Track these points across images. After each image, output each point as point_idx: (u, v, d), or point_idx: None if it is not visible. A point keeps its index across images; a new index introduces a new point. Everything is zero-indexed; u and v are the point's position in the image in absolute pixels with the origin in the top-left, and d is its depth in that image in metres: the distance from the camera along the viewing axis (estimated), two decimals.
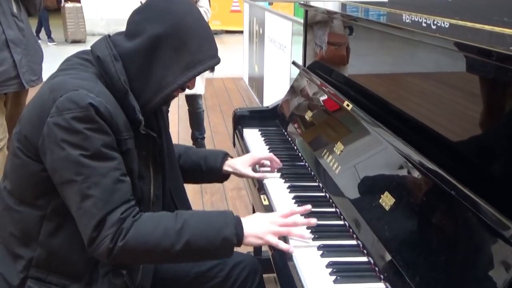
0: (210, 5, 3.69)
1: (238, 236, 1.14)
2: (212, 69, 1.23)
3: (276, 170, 1.61)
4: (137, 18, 1.20)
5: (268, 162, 1.60)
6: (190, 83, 1.23)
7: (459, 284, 0.87)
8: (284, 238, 1.22)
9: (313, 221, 1.24)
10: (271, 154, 1.60)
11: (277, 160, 1.60)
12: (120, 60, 1.16)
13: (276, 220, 1.21)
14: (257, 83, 5.51)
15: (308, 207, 1.27)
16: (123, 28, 1.24)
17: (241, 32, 6.63)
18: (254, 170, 1.58)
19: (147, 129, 1.21)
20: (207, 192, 3.28)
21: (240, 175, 1.57)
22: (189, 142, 3.90)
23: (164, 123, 1.37)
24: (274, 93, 4.47)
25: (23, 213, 1.15)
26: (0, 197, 1.20)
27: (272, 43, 4.55)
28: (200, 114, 3.88)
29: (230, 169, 1.54)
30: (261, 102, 5.14)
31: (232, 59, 7.13)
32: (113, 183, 1.07)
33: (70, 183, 1.06)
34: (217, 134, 4.48)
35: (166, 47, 1.16)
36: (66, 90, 1.07)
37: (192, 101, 3.80)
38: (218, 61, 1.23)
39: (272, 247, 1.31)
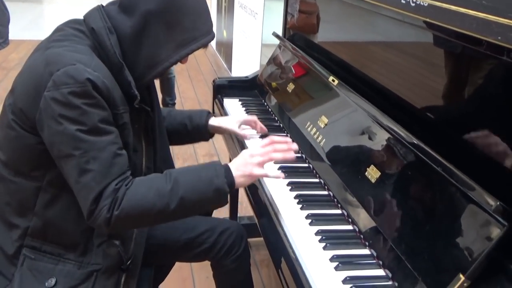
0: None
1: (230, 184, 1.19)
2: (205, 46, 1.24)
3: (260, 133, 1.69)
4: None
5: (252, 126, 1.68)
6: (183, 59, 1.24)
7: (442, 250, 0.96)
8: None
9: (294, 146, 1.30)
10: (256, 118, 1.68)
11: (263, 125, 1.67)
12: (115, 33, 1.16)
13: (255, 151, 1.26)
14: (225, 48, 5.47)
15: (295, 146, 1.31)
16: None
17: None
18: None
19: (141, 103, 1.22)
20: (179, 158, 3.31)
21: (224, 131, 1.65)
22: None
23: (156, 95, 1.38)
24: (244, 60, 4.47)
25: (18, 184, 1.16)
26: None
27: (242, 9, 4.51)
28: (171, 79, 3.86)
29: (215, 124, 1.60)
30: (230, 68, 5.13)
31: None
32: (111, 157, 1.09)
33: (68, 158, 1.07)
34: (187, 100, 4.46)
35: (160, 24, 1.16)
36: (64, 64, 1.07)
37: None
38: (212, 37, 1.24)
39: (256, 214, 1.39)
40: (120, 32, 1.16)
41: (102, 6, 1.21)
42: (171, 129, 1.54)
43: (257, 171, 1.23)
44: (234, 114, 1.74)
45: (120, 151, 1.12)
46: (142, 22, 1.15)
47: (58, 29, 1.21)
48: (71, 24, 1.21)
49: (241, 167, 1.22)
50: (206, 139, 1.64)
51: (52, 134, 1.07)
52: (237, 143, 1.73)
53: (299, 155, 1.60)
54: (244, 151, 1.28)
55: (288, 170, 1.46)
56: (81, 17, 1.22)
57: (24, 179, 1.15)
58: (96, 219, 1.09)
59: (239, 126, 1.65)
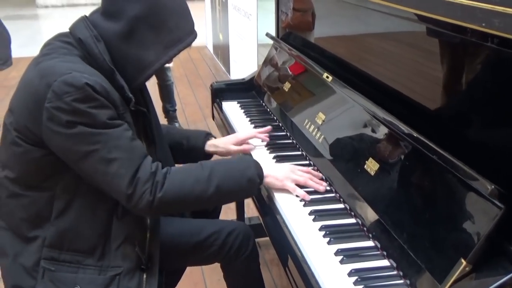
0: None
1: (260, 176, 1.29)
2: (190, 45, 1.28)
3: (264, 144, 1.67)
4: None
5: (252, 142, 1.66)
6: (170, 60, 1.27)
7: (442, 237, 0.97)
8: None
9: (324, 184, 1.39)
10: (255, 133, 1.65)
11: (262, 136, 1.65)
12: (102, 40, 1.19)
13: (296, 168, 1.38)
14: (222, 51, 5.49)
15: (324, 185, 1.39)
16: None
17: None
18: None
19: (136, 105, 1.25)
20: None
21: (222, 154, 1.62)
22: (160, 116, 3.90)
23: (149, 96, 1.42)
24: (242, 61, 4.49)
25: (32, 197, 1.19)
26: (1, 187, 1.22)
27: (236, 10, 4.53)
28: (169, 86, 3.87)
29: (212, 149, 1.60)
30: (228, 70, 5.15)
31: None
32: (130, 141, 1.15)
33: (89, 155, 1.11)
34: (187, 106, 4.49)
35: (145, 27, 1.19)
36: (59, 74, 1.10)
37: (161, 74, 3.77)
38: (195, 36, 1.28)
39: (261, 214, 1.41)
40: (107, 39, 1.19)
41: (86, 16, 1.24)
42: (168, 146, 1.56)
43: (289, 184, 1.34)
44: (234, 134, 1.69)
45: (134, 136, 1.17)
46: (128, 27, 1.18)
47: (46, 44, 1.24)
48: (59, 37, 1.24)
49: (277, 172, 1.35)
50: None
51: (65, 139, 1.10)
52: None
53: (299, 152, 1.62)
54: (285, 164, 1.43)
55: None
56: (67, 30, 1.25)
57: (36, 191, 1.19)
58: (138, 203, 1.14)
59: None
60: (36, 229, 1.20)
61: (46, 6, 10.10)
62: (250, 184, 1.27)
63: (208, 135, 1.62)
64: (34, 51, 1.36)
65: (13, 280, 1.22)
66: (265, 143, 1.67)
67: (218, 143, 1.61)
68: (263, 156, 1.60)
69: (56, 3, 10.12)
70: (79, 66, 1.14)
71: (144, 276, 1.26)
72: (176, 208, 1.28)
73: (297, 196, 1.34)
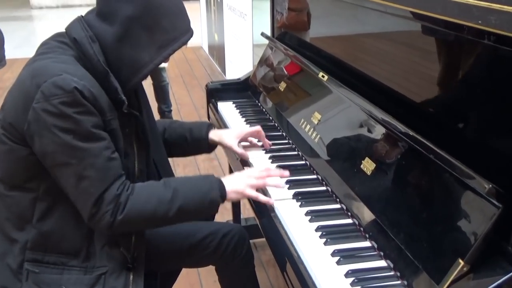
0: None
1: (222, 196, 1.27)
2: (186, 43, 1.26)
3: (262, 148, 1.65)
4: None
5: (254, 140, 1.65)
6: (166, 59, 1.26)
7: (440, 237, 0.96)
8: (263, 192, 1.36)
9: (286, 173, 1.39)
10: (259, 129, 1.63)
11: (266, 140, 1.63)
12: (97, 41, 1.18)
13: (252, 173, 1.35)
14: (218, 52, 5.48)
15: (286, 173, 1.39)
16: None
17: None
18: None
19: (129, 107, 1.24)
20: (179, 165, 3.31)
21: (224, 146, 1.62)
22: (156, 117, 3.88)
23: (145, 97, 1.40)
24: (237, 62, 4.48)
25: (15, 197, 1.18)
26: None
27: (231, 11, 4.52)
28: (165, 87, 3.86)
29: (216, 138, 1.59)
30: (223, 71, 5.14)
31: None
32: (106, 161, 1.13)
33: (64, 166, 1.10)
34: (183, 106, 4.47)
35: (140, 28, 1.18)
36: (50, 75, 1.09)
37: (156, 74, 3.76)
38: (191, 34, 1.27)
39: (257, 214, 1.40)
40: (102, 39, 1.18)
41: (82, 16, 1.23)
42: (171, 141, 1.55)
43: (249, 191, 1.31)
44: (236, 127, 1.69)
45: (113, 155, 1.16)
46: (123, 28, 1.17)
47: (43, 43, 1.23)
48: (55, 37, 1.23)
49: (235, 184, 1.30)
50: (208, 152, 1.64)
51: (46, 144, 1.09)
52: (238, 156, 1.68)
53: (295, 153, 1.61)
54: (242, 172, 1.38)
55: (285, 168, 1.47)
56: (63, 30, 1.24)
57: (19, 191, 1.18)
58: (98, 223, 1.14)
59: (240, 141, 1.62)
60: (18, 231, 1.19)
61: (41, 7, 10.06)
62: (212, 205, 1.26)
63: (211, 126, 1.62)
64: (28, 52, 1.35)
65: (1, 280, 1.21)
66: (261, 143, 1.66)
67: (221, 134, 1.60)
68: (259, 157, 1.59)
69: (50, 4, 10.08)
70: (71, 67, 1.13)
71: (131, 276, 1.25)
72: (137, 228, 1.26)
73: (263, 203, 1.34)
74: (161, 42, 1.20)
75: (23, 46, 6.46)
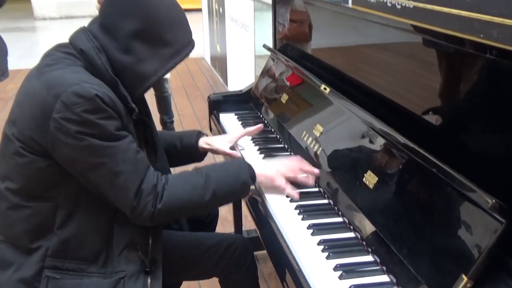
0: None
1: (252, 178, 1.33)
2: (188, 56, 1.28)
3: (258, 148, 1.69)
4: (110, 10, 1.21)
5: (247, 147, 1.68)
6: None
7: (443, 252, 0.95)
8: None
9: (317, 170, 1.43)
10: (246, 130, 1.69)
11: (256, 126, 1.69)
12: (103, 51, 1.19)
13: (285, 162, 1.42)
14: (220, 63, 5.50)
15: (317, 170, 1.44)
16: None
17: (199, 10, 6.56)
18: (232, 148, 1.64)
19: (139, 114, 1.26)
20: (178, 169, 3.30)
21: (216, 152, 1.63)
22: (158, 127, 3.89)
23: (147, 105, 1.42)
24: (239, 73, 4.49)
25: (34, 207, 1.18)
26: (1, 198, 1.21)
27: (233, 22, 4.54)
28: (167, 98, 3.87)
29: (206, 146, 1.61)
30: (226, 82, 5.15)
31: None
32: (136, 153, 1.17)
33: (97, 167, 1.13)
34: (185, 117, 4.47)
35: (142, 42, 1.19)
36: (68, 85, 1.10)
37: (159, 85, 3.77)
38: (193, 47, 1.29)
39: (258, 227, 1.39)
40: (107, 51, 1.19)
41: (86, 27, 1.23)
42: None
43: (279, 180, 1.37)
44: (228, 133, 1.72)
45: (138, 148, 1.20)
46: (125, 42, 1.19)
47: (47, 55, 1.23)
48: (59, 48, 1.23)
49: (266, 169, 1.37)
50: (198, 160, 1.63)
51: (73, 150, 1.11)
52: None
53: None
54: (278, 158, 1.46)
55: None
56: (67, 41, 1.24)
57: (39, 201, 1.18)
58: (140, 215, 1.18)
59: (232, 147, 1.64)
60: (39, 240, 1.19)
61: (44, 18, 10.13)
62: (244, 187, 1.31)
63: (200, 133, 1.63)
64: (32, 63, 1.35)
65: None
66: (257, 147, 1.68)
67: (211, 140, 1.62)
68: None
69: (54, 15, 10.16)
70: (86, 77, 1.14)
71: (149, 280, 1.25)
72: (175, 216, 1.32)
73: (287, 196, 1.37)
74: (163, 55, 1.22)
75: (26, 57, 6.50)
